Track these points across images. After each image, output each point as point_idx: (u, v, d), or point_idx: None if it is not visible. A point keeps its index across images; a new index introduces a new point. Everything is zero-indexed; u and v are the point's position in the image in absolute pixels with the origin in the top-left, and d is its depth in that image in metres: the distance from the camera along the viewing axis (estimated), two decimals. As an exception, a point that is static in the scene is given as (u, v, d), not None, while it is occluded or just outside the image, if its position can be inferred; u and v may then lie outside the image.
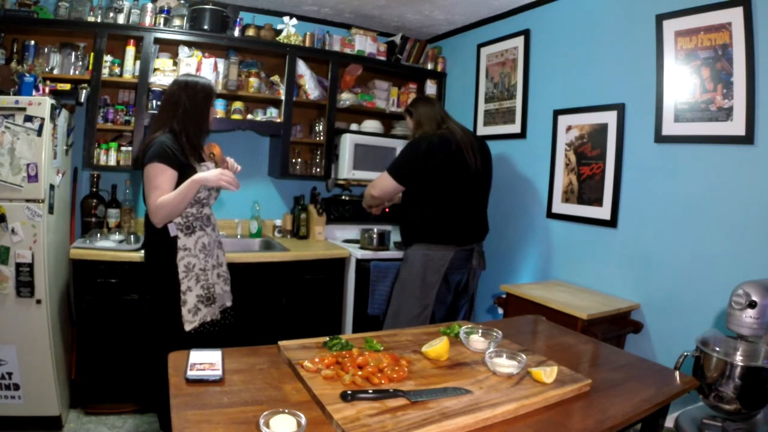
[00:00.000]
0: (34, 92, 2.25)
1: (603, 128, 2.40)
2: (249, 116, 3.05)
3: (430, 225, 2.31)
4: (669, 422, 1.38)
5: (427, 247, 2.30)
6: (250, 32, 3.02)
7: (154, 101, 2.76)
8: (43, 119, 2.14)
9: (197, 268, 1.89)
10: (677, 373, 1.37)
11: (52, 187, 2.26)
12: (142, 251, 2.41)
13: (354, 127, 3.38)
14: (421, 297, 2.30)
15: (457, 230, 2.33)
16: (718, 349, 1.36)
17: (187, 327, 1.86)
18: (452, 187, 2.30)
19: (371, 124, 3.41)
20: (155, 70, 2.81)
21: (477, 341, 1.42)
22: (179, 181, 1.81)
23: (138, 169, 1.93)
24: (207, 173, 1.83)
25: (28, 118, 2.13)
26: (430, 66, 3.56)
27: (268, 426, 0.91)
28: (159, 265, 1.89)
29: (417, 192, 2.33)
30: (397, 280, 2.43)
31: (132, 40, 2.72)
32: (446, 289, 2.36)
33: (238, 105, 3.00)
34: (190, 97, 1.91)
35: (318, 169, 3.28)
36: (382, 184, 2.37)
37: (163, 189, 1.78)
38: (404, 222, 2.44)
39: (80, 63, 2.69)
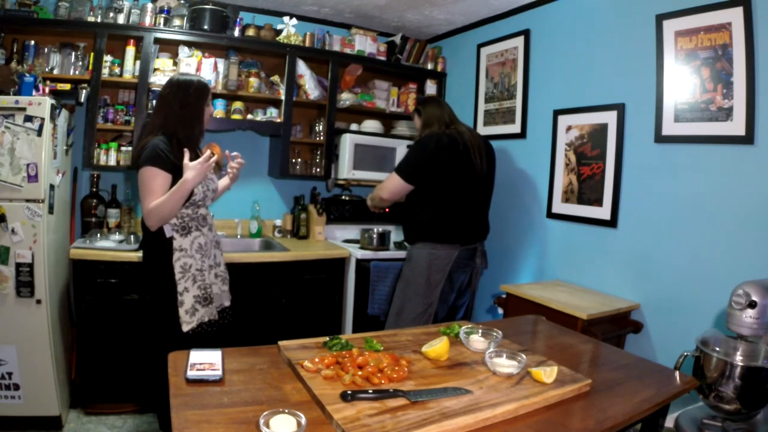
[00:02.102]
0: (34, 92, 2.25)
1: (603, 128, 2.40)
2: (249, 116, 3.05)
3: (435, 224, 2.31)
4: (669, 422, 1.38)
5: (432, 246, 2.31)
6: (250, 32, 3.02)
7: (154, 101, 2.76)
8: (43, 119, 2.14)
9: (194, 269, 1.88)
10: (677, 373, 1.37)
11: (52, 187, 2.26)
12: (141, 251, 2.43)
13: (354, 127, 3.38)
14: (425, 295, 2.31)
15: (462, 229, 2.33)
16: (718, 349, 1.36)
17: (185, 328, 1.85)
18: (458, 187, 2.31)
19: (371, 124, 3.41)
20: (155, 70, 2.81)
21: (477, 341, 1.42)
22: (174, 183, 1.79)
23: (133, 170, 1.92)
24: (193, 172, 1.77)
25: (28, 118, 2.13)
26: (430, 66, 3.56)
27: (268, 426, 0.91)
28: (155, 265, 1.87)
29: (422, 191, 2.33)
30: (401, 279, 2.43)
31: (132, 40, 2.72)
32: (449, 288, 2.36)
33: (238, 105, 3.00)
34: (183, 97, 1.88)
35: (318, 169, 3.28)
36: (390, 185, 2.37)
37: (157, 193, 1.76)
38: (409, 220, 2.44)
39: (80, 63, 2.69)
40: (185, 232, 1.87)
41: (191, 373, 1.12)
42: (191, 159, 1.88)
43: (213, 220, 2.05)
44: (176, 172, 1.81)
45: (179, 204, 1.80)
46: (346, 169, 3.15)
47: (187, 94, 1.89)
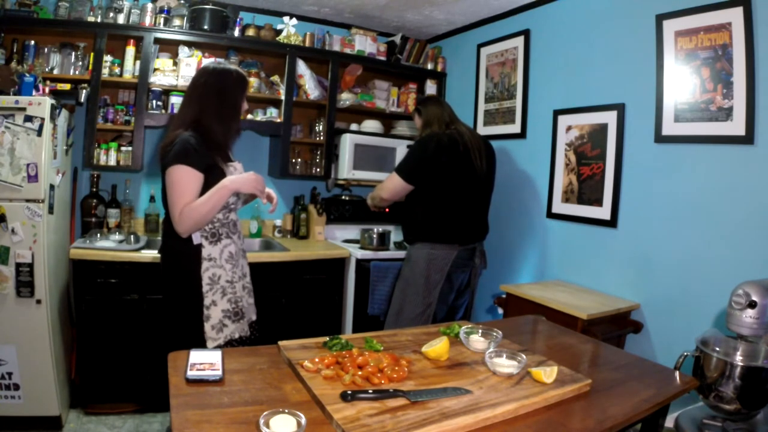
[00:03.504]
0: (34, 92, 2.25)
1: (603, 128, 2.40)
2: (249, 116, 3.05)
3: (434, 224, 2.31)
4: (669, 422, 1.38)
5: (432, 246, 2.31)
6: (250, 32, 3.02)
7: (154, 101, 2.77)
8: (43, 119, 2.14)
9: (223, 280, 1.70)
10: (677, 373, 1.37)
11: (52, 187, 2.26)
12: (143, 251, 2.43)
13: (354, 127, 3.38)
14: (425, 295, 2.31)
15: (461, 229, 2.34)
16: (718, 349, 1.36)
17: (210, 345, 1.66)
18: (457, 187, 2.31)
19: (371, 124, 3.41)
20: (155, 70, 2.81)
21: (477, 341, 1.42)
22: (205, 184, 1.62)
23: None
24: (241, 178, 1.64)
25: (28, 118, 2.13)
26: (430, 66, 3.56)
27: (268, 426, 0.91)
28: (179, 275, 1.69)
29: (422, 191, 2.34)
30: (400, 279, 2.43)
31: (132, 40, 2.72)
32: (449, 288, 2.36)
33: (238, 105, 3.00)
34: (221, 87, 1.68)
35: (318, 169, 3.28)
36: (390, 185, 2.37)
37: (190, 195, 1.57)
38: (408, 220, 2.44)
39: (80, 63, 2.69)
40: (215, 239, 1.69)
41: (191, 373, 1.12)
42: (223, 159, 1.71)
43: (242, 226, 1.88)
44: (209, 172, 1.63)
45: (216, 209, 1.61)
46: (346, 169, 3.15)
47: (226, 85, 1.70)
